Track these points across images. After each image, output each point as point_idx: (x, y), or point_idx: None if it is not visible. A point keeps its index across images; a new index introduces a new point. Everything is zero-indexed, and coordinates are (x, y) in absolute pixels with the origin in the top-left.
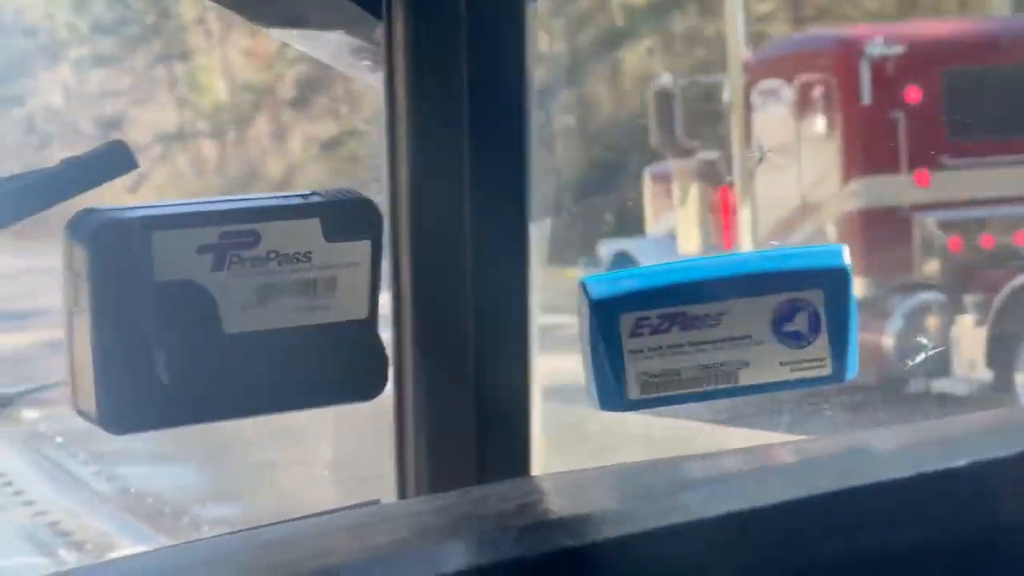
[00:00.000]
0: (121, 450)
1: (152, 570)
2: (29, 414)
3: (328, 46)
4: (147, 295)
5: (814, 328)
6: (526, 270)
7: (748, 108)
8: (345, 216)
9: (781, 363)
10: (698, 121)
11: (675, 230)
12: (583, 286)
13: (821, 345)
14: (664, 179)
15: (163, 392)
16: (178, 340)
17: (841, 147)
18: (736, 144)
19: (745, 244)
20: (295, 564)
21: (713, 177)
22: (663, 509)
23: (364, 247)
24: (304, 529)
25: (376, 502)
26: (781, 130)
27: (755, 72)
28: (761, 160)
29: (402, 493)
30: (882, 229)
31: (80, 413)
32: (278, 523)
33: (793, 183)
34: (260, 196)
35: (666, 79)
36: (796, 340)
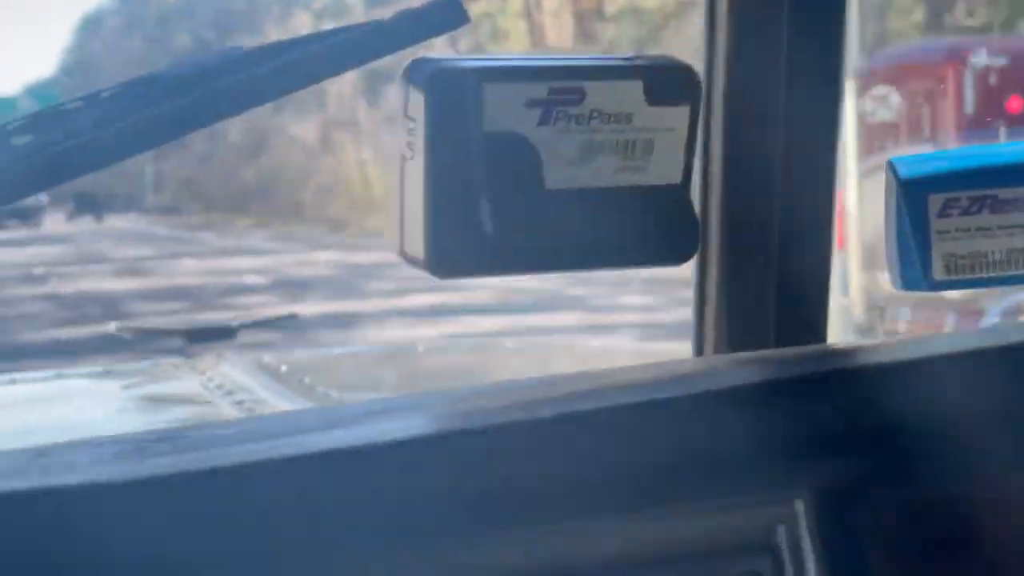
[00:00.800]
0: (348, 381)
1: (462, 399)
2: (252, 346)
3: None
4: (476, 145)
5: None
6: (834, 147)
7: (860, 113)
8: (666, 81)
9: None
10: None
11: None
12: (891, 165)
13: None
14: None
15: (486, 241)
16: (502, 192)
17: None
18: (849, 148)
19: (852, 244)
20: (578, 403)
21: None
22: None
23: (682, 113)
24: (591, 379)
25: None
26: (891, 135)
27: (867, 79)
28: None
29: (699, 353)
30: None
31: (405, 258)
32: (575, 374)
33: None
34: (584, 56)
35: None
36: None
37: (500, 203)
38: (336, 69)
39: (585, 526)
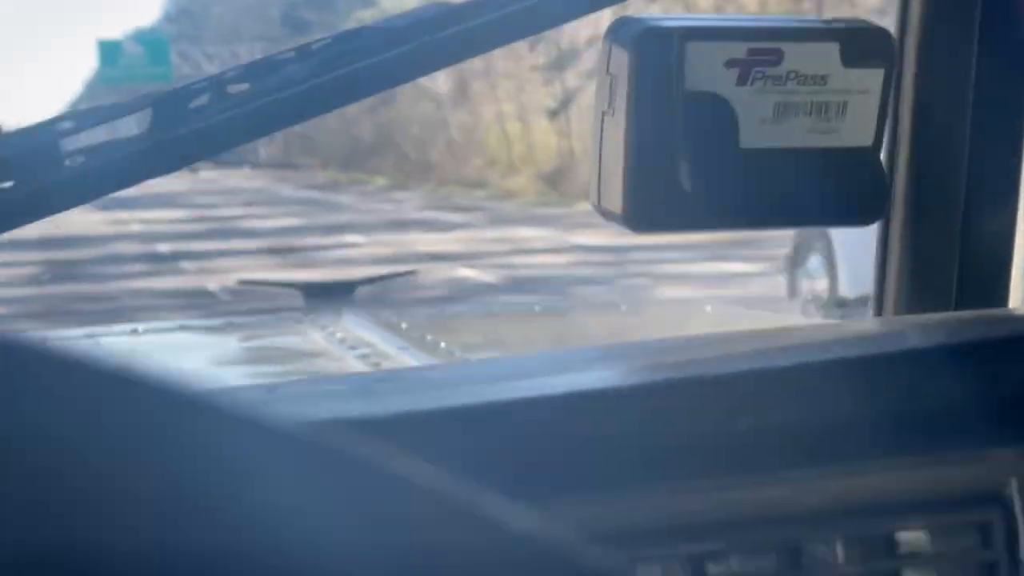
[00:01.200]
0: (468, 339)
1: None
2: (371, 303)
3: None
4: (676, 103)
5: None
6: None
7: None
8: (862, 44)
9: None
10: None
11: None
12: None
13: None
14: None
15: (683, 198)
16: (700, 149)
17: None
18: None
19: None
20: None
21: None
22: None
23: (877, 76)
24: (779, 337)
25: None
26: None
27: None
28: None
29: (878, 313)
30: None
31: (602, 212)
32: (757, 331)
33: None
34: (782, 17)
35: None
36: None
37: (697, 160)
38: (539, 27)
39: (807, 474)
